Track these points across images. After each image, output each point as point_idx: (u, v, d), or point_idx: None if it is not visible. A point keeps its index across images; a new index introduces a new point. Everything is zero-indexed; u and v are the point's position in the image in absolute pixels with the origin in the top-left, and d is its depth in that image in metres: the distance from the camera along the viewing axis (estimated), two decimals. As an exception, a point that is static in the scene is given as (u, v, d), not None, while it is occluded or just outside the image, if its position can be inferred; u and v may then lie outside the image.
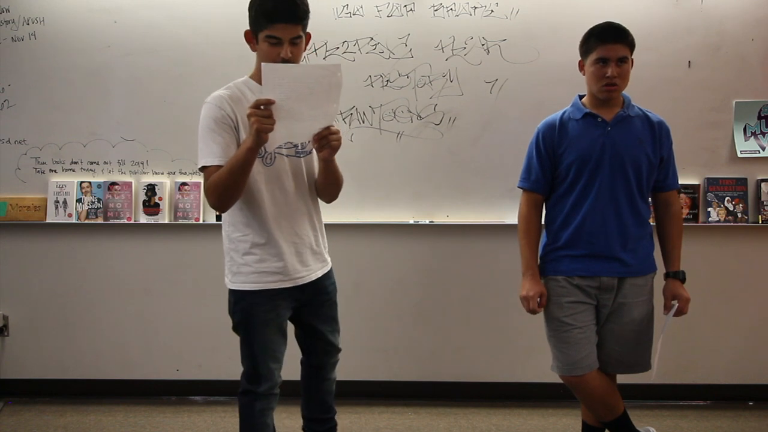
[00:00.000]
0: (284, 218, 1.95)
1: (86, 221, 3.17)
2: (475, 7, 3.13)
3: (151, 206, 3.17)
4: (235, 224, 1.97)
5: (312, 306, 2.07)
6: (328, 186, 2.03)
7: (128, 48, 3.16)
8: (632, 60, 2.14)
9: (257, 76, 1.92)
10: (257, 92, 1.87)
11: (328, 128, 1.82)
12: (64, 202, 3.17)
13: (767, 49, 3.14)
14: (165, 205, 3.16)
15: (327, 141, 1.84)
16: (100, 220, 3.16)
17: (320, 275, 2.06)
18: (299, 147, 1.97)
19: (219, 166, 1.83)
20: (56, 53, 3.15)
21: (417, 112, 3.16)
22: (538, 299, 2.16)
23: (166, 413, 3.08)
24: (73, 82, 3.17)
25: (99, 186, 3.16)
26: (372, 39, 3.13)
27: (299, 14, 1.82)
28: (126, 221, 3.16)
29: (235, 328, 2.02)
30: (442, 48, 3.14)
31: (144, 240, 3.20)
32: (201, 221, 3.17)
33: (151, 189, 3.17)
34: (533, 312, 2.16)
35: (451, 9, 3.14)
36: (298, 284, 1.99)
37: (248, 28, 1.91)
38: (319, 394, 2.16)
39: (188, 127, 3.13)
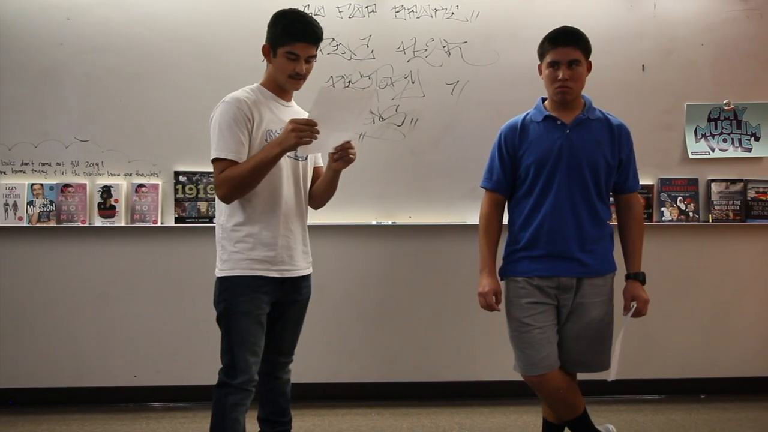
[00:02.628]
0: (279, 213, 2.06)
1: (38, 224, 3.07)
2: (436, 10, 3.16)
3: (106, 208, 3.08)
4: (232, 214, 2.05)
5: (284, 305, 2.13)
6: (325, 193, 2.19)
7: (82, 46, 3.07)
8: (589, 63, 2.18)
9: (268, 84, 2.10)
10: (270, 98, 2.08)
11: (349, 142, 2.03)
12: (14, 204, 3.06)
13: (716, 53, 3.26)
14: (121, 208, 3.09)
15: (345, 154, 2.04)
16: (52, 223, 3.07)
17: (302, 275, 2.15)
18: (297, 151, 2.08)
19: (231, 162, 1.96)
20: (5, 50, 3.04)
21: (379, 113, 3.17)
22: (494, 296, 2.18)
23: (123, 421, 3.00)
24: (23, 81, 3.06)
25: (51, 188, 3.07)
26: (333, 40, 3.12)
27: (319, 37, 2.05)
28: (80, 224, 3.07)
29: (218, 319, 2.09)
30: (404, 49, 3.15)
31: (99, 243, 3.12)
32: (159, 224, 3.10)
33: (106, 191, 3.08)
34: (490, 308, 2.19)
35: (412, 11, 3.15)
36: (283, 276, 2.07)
37: (265, 43, 2.06)
38: (271, 394, 2.20)
39: (145, 127, 3.10)
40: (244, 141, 1.98)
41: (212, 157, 2.00)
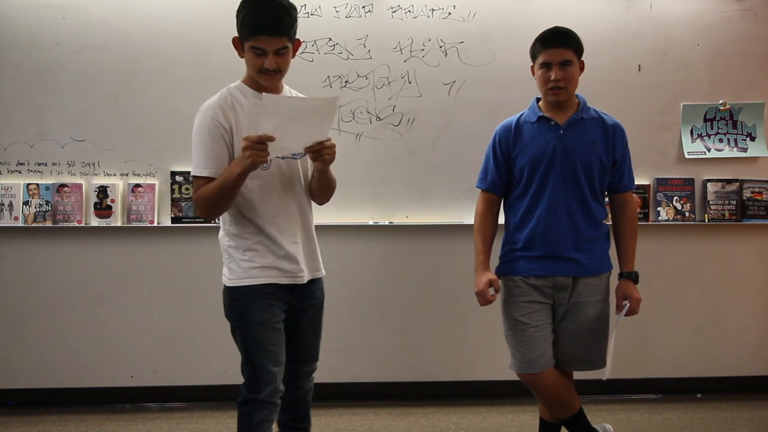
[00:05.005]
0: (282, 219, 1.97)
1: (34, 225, 3.06)
2: (433, 9, 3.16)
3: (102, 209, 3.08)
4: (237, 223, 1.96)
5: (297, 312, 2.04)
6: (322, 190, 2.06)
7: (78, 45, 3.06)
8: (582, 63, 2.18)
9: (249, 81, 1.95)
10: (251, 97, 1.91)
11: (321, 143, 1.85)
12: (10, 204, 3.05)
13: (712, 54, 3.27)
14: (117, 208, 3.08)
15: (320, 154, 1.87)
16: (48, 224, 3.06)
17: (315, 277, 2.07)
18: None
19: (208, 179, 1.86)
20: (0, 50, 3.03)
21: (376, 113, 3.17)
22: (491, 288, 2.16)
23: (119, 421, 2.99)
24: (18, 81, 3.05)
25: (47, 188, 3.06)
26: (330, 39, 3.12)
27: (283, 28, 1.82)
28: (76, 224, 3.06)
29: (233, 331, 2.00)
30: (401, 49, 3.15)
31: (96, 243, 3.11)
32: (155, 224, 3.09)
33: (102, 191, 3.08)
34: (488, 303, 2.17)
35: (409, 11, 3.15)
36: (295, 282, 1.98)
37: (236, 35, 1.90)
38: (293, 402, 2.11)
39: (142, 127, 3.10)
40: (221, 153, 1.87)
41: (191, 174, 1.92)
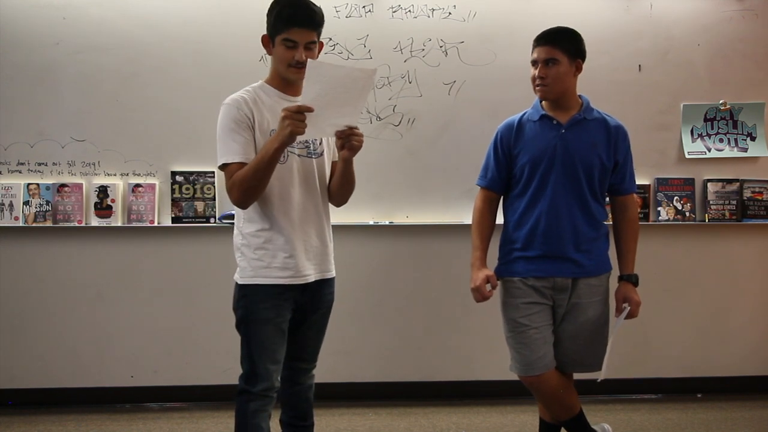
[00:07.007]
0: (296, 216, 1.99)
1: (34, 224, 3.06)
2: (433, 9, 3.16)
3: (103, 208, 3.08)
4: (250, 220, 1.99)
5: (306, 311, 2.07)
6: (342, 188, 2.08)
7: (78, 45, 3.06)
8: (578, 63, 2.16)
9: (272, 80, 2.01)
10: (274, 95, 1.98)
11: (351, 128, 1.90)
12: (11, 204, 3.05)
13: (712, 54, 3.27)
14: (118, 208, 3.08)
15: (349, 140, 1.91)
16: (48, 223, 3.06)
17: (325, 278, 2.08)
18: (311, 147, 2.02)
19: (240, 164, 1.89)
20: (1, 50, 3.03)
21: (376, 113, 3.17)
22: (488, 284, 2.16)
23: (120, 421, 2.99)
24: (18, 80, 3.05)
25: (47, 188, 3.06)
26: (330, 39, 3.12)
27: (316, 20, 1.94)
28: (77, 224, 3.06)
29: (237, 326, 2.03)
30: (401, 49, 3.15)
31: (96, 243, 3.11)
32: (156, 224, 3.09)
33: (103, 191, 3.08)
34: (485, 298, 2.17)
35: (409, 11, 3.15)
36: (305, 282, 2.00)
37: (265, 33, 1.98)
38: (294, 399, 2.16)
39: (142, 126, 3.10)
40: (249, 140, 1.91)
41: (219, 164, 1.93)
